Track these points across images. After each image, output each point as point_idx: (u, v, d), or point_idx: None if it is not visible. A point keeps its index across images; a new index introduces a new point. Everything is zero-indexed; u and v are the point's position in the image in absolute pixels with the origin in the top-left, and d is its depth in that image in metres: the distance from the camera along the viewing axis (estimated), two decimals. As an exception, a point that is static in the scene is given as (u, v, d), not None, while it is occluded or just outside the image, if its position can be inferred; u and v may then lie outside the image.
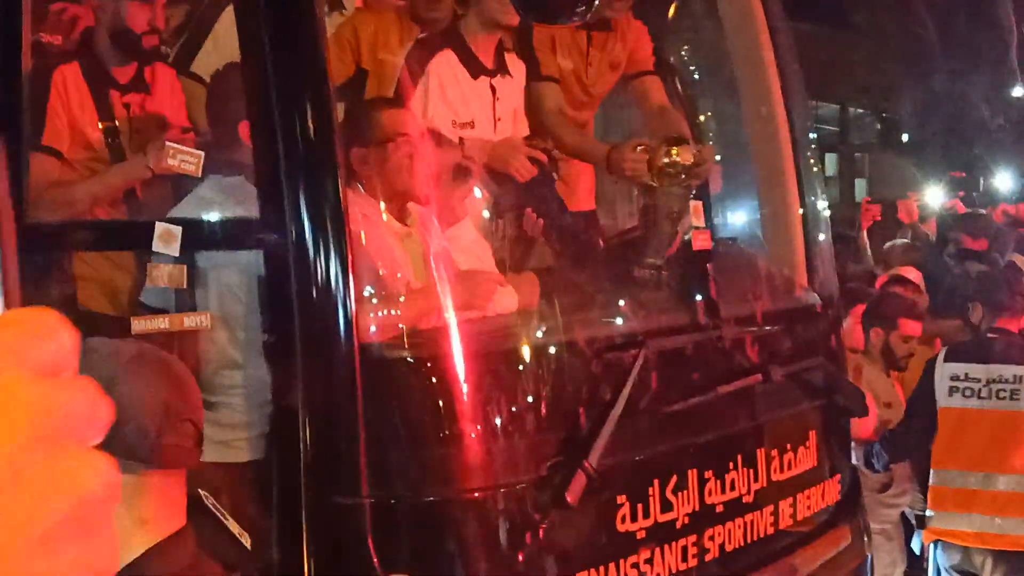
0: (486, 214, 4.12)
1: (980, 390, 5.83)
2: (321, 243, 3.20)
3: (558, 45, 4.94)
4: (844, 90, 29.12)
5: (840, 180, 29.90)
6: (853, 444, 6.05)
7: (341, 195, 3.22)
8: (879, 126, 29.00)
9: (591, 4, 2.93)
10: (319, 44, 3.30)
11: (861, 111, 30.29)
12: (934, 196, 12.58)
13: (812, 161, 4.98)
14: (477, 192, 4.06)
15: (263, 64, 3.26)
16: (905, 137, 27.28)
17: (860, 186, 29.86)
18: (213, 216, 3.52)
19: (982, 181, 13.06)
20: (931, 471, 6.03)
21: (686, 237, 4.28)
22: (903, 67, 26.49)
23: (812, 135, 5.13)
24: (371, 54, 4.35)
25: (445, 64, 4.20)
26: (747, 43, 4.95)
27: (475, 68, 4.23)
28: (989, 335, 6.06)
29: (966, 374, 5.87)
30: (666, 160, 4.23)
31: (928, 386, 6.01)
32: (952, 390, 5.90)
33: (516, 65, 4.50)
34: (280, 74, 3.25)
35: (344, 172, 3.24)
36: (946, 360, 6.00)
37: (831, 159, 31.00)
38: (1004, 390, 5.79)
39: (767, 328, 4.35)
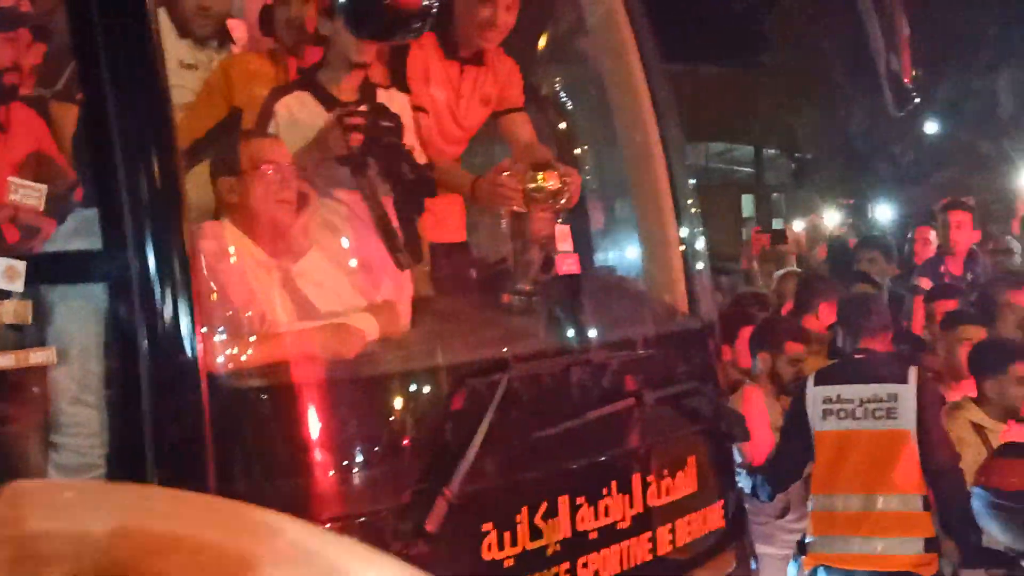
0: (346, 242, 4.06)
1: (855, 411, 5.85)
2: (166, 275, 3.14)
3: (431, 77, 4.93)
4: (758, 131, 29.45)
5: (758, 220, 30.17)
6: (745, 472, 6.07)
7: (184, 227, 3.17)
8: (793, 166, 29.32)
9: (425, 22, 2.91)
10: (160, 75, 3.26)
11: (775, 152, 30.63)
12: (829, 222, 12.76)
13: (690, 196, 5.01)
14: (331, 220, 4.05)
15: (103, 94, 3.20)
16: (818, 177, 27.60)
17: (778, 226, 30.14)
18: (57, 250, 3.46)
19: (871, 209, 13.33)
20: (811, 496, 6.03)
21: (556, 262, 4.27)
22: (814, 106, 26.85)
23: (692, 179, 5.17)
24: (246, 92, 4.32)
25: (296, 103, 4.19)
26: (623, 82, 5.00)
27: (331, 104, 4.22)
28: (856, 356, 6.09)
29: (838, 396, 5.89)
30: (532, 185, 4.21)
31: (800, 411, 6.02)
32: (826, 413, 5.91)
33: (392, 97, 4.46)
34: (121, 105, 3.20)
35: (184, 203, 3.18)
36: (816, 384, 6.01)
37: (747, 200, 31.34)
38: (880, 409, 5.81)
39: (641, 353, 4.33)
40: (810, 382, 6.04)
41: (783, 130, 28.42)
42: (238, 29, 4.90)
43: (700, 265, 4.97)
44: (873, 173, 24.03)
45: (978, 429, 6.03)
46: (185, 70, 4.55)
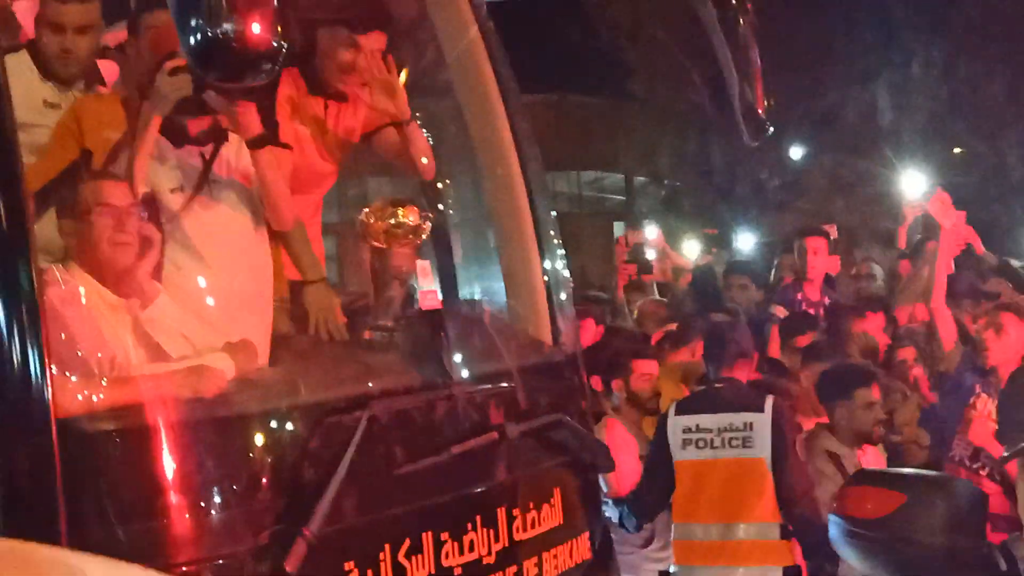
0: (201, 281, 4.02)
1: (712, 440, 5.93)
2: (14, 320, 3.08)
3: (297, 112, 4.92)
4: (628, 160, 29.80)
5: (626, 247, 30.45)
6: (612, 502, 6.11)
7: (32, 270, 3.10)
8: (663, 193, 29.71)
9: (275, 64, 2.88)
10: (7, 120, 3.19)
11: (645, 179, 31.00)
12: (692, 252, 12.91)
13: (552, 227, 5.04)
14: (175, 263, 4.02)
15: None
16: (685, 203, 28.01)
17: (650, 253, 30.45)
18: None
19: (736, 236, 13.55)
20: (672, 525, 6.09)
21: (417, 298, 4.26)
22: (681, 135, 27.26)
23: (554, 210, 5.20)
24: (95, 134, 4.27)
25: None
26: (483, 115, 5.02)
27: (179, 139, 4.18)
28: (716, 384, 6.17)
29: (697, 425, 5.97)
30: (392, 221, 4.22)
31: (662, 441, 6.09)
32: (685, 443, 5.99)
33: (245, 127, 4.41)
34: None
35: (32, 247, 3.13)
36: (676, 413, 6.09)
37: (619, 227, 31.60)
38: (736, 438, 5.90)
39: (504, 386, 4.33)
40: (671, 411, 6.11)
41: (652, 158, 28.80)
42: (109, 70, 4.84)
43: (563, 296, 4.99)
44: (739, 200, 24.44)
45: (833, 457, 6.13)
46: (49, 109, 4.50)
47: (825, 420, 6.41)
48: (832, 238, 9.37)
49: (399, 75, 5.02)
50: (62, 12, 4.51)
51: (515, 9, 5.28)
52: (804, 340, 7.58)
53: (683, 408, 6.11)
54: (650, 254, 10.85)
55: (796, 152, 27.53)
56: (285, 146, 4.75)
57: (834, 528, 5.01)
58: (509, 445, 4.18)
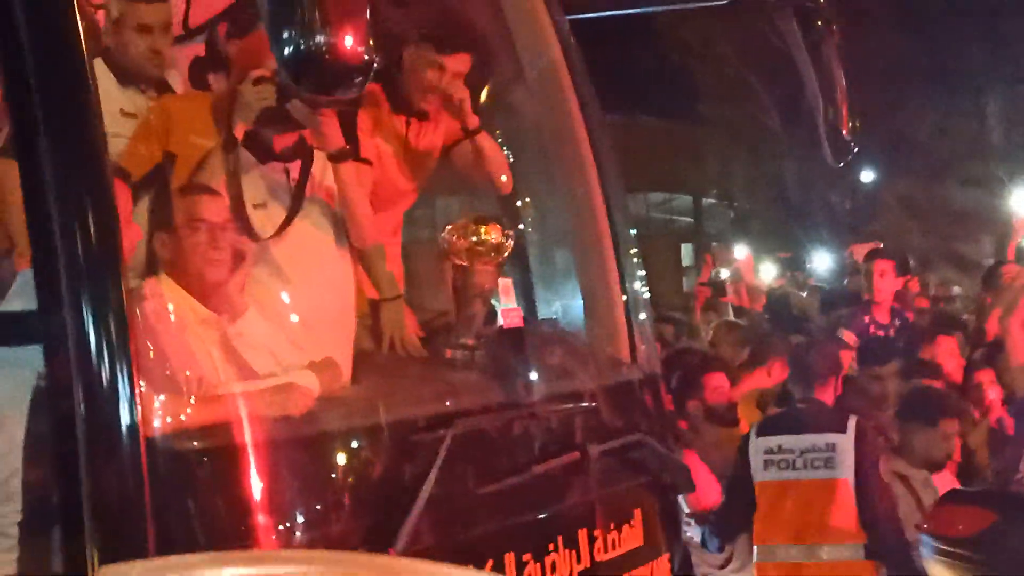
0: (286, 298, 4.02)
1: (795, 461, 5.87)
2: (103, 336, 3.07)
3: (378, 130, 4.91)
4: (697, 182, 29.68)
5: (697, 269, 30.34)
6: (694, 522, 6.06)
7: (121, 285, 3.10)
8: (732, 215, 29.58)
9: (366, 77, 2.87)
10: (97, 132, 3.19)
11: (714, 201, 30.90)
12: (767, 275, 12.83)
13: (631, 247, 5.01)
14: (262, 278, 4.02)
15: (38, 150, 3.14)
16: (756, 225, 27.86)
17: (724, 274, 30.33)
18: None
19: (807, 261, 13.46)
20: (754, 547, 6.03)
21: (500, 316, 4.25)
22: (752, 157, 27.13)
23: (633, 229, 5.17)
24: (182, 138, 4.27)
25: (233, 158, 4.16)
26: (563, 134, 5.01)
27: (263, 154, 4.19)
28: (799, 405, 6.12)
29: (779, 446, 5.92)
30: (474, 239, 4.20)
31: (743, 462, 6.04)
32: (767, 463, 5.94)
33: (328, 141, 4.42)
34: (57, 162, 3.14)
35: (122, 261, 3.12)
36: (759, 435, 6.04)
37: (687, 249, 31.52)
38: (818, 459, 5.84)
39: (585, 405, 4.30)
40: (753, 433, 6.06)
41: (721, 180, 28.68)
42: (175, 79, 4.85)
43: (643, 316, 4.96)
44: (810, 222, 24.27)
45: (903, 479, 6.08)
46: (125, 118, 4.49)
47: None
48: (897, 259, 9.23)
49: (481, 90, 5.03)
50: (148, 12, 4.50)
51: (586, 29, 5.27)
52: (887, 370, 7.49)
53: (764, 429, 6.06)
54: (724, 275, 10.79)
55: (869, 175, 27.33)
56: (366, 162, 4.74)
57: (925, 548, 4.95)
58: (590, 465, 4.15)
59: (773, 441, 5.96)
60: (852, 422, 5.93)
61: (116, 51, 4.54)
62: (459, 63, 4.85)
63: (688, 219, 32.25)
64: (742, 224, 28.78)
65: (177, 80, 4.80)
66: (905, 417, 6.37)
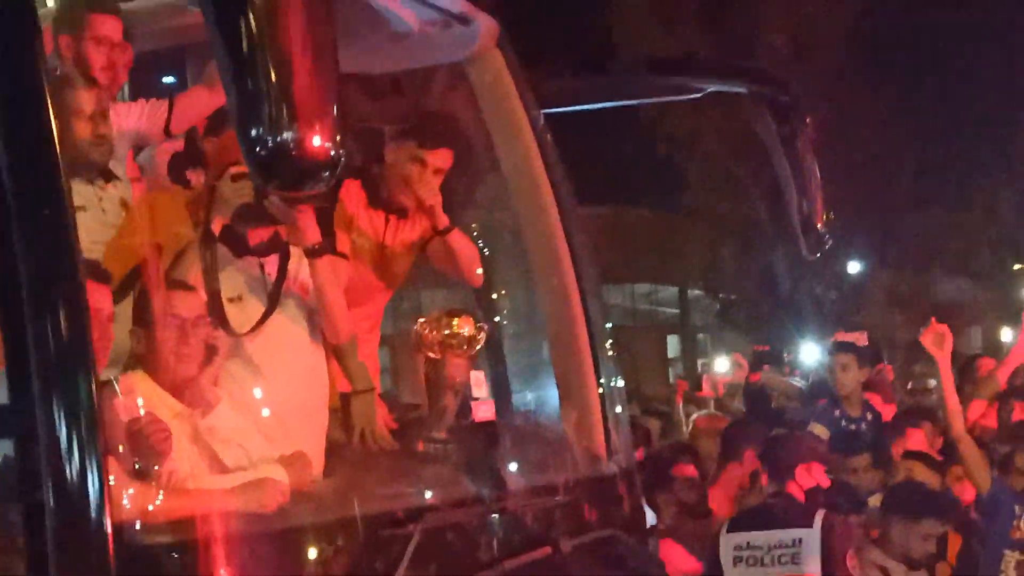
0: (258, 392, 4.02)
1: (763, 557, 5.83)
2: (73, 431, 3.06)
3: (356, 224, 4.94)
4: (682, 273, 29.79)
5: (683, 360, 30.38)
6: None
7: (92, 381, 3.10)
8: (718, 307, 29.63)
9: (334, 173, 2.89)
10: (67, 226, 3.21)
11: (700, 293, 30.97)
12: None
13: (607, 339, 5.01)
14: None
15: (11, 247, 3.15)
16: (741, 317, 27.91)
17: (703, 365, 30.31)
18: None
19: (786, 354, 13.49)
20: None
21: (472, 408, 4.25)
22: (737, 248, 27.25)
23: (609, 322, 5.19)
24: (158, 233, 4.29)
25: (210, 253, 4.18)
26: (538, 226, 5.02)
27: (239, 248, 4.20)
28: (770, 500, 6.10)
29: (748, 543, 5.88)
30: (447, 331, 4.21)
31: (714, 559, 6.00)
32: (736, 560, 5.90)
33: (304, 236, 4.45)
34: (28, 256, 3.15)
35: (92, 357, 3.12)
36: (728, 531, 6.01)
37: (672, 340, 31.56)
38: (785, 555, 5.80)
39: (558, 499, 4.29)
40: (724, 530, 6.03)
41: (707, 272, 28.79)
42: (118, 167, 4.80)
43: (618, 409, 4.95)
44: (796, 314, 24.33)
45: (883, 570, 6.05)
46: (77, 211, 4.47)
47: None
48: (863, 346, 9.19)
49: (456, 183, 5.06)
50: (87, 99, 4.49)
51: (570, 121, 5.32)
52: (858, 461, 7.46)
53: (735, 525, 6.03)
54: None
55: (854, 266, 27.47)
56: (343, 256, 4.76)
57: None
58: (562, 560, 4.12)
59: (743, 537, 5.92)
60: (819, 516, 5.90)
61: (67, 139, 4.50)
62: (440, 159, 4.90)
63: (674, 310, 32.31)
64: (727, 316, 28.84)
65: (120, 170, 4.77)
66: (889, 509, 6.34)
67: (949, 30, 25.23)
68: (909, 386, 10.45)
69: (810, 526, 5.85)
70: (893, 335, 22.69)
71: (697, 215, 27.95)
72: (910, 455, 7.35)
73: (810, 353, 16.60)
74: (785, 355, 12.66)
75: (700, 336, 31.90)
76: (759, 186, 26.77)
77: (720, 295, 29.14)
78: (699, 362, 29.73)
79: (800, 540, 5.81)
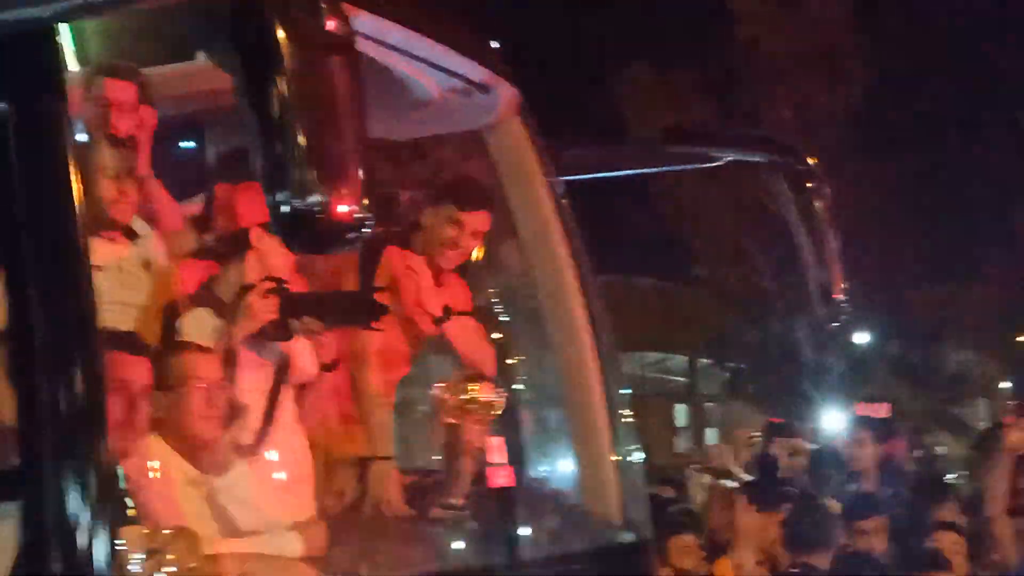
0: (274, 455, 4.01)
1: None
2: (86, 496, 3.05)
3: (392, 288, 4.91)
4: (691, 342, 29.72)
5: (692, 429, 30.26)
6: None
7: (103, 447, 3.08)
8: (727, 376, 29.53)
9: (360, 235, 2.91)
10: (85, 286, 3.21)
11: (708, 362, 30.88)
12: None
13: (624, 407, 4.99)
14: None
15: (27, 311, 3.15)
16: (751, 388, 27.80)
17: (711, 435, 30.18)
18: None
19: (797, 424, 13.49)
20: None
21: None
22: (745, 316, 27.24)
23: (630, 388, 5.17)
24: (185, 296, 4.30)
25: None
26: (557, 294, 5.02)
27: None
28: (791, 570, 6.06)
29: None
30: (465, 396, 4.20)
31: None
32: None
33: None
34: (45, 318, 3.14)
35: (105, 422, 3.11)
36: None
37: (681, 410, 31.44)
38: None
39: (574, 568, 4.25)
40: None
41: (715, 342, 28.74)
42: (143, 225, 4.81)
43: (635, 477, 4.92)
44: (806, 385, 24.25)
45: None
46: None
47: None
48: (881, 417, 9.16)
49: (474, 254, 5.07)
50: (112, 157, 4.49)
51: (579, 190, 5.34)
52: (870, 524, 7.42)
53: None
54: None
55: (862, 338, 27.40)
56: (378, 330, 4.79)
57: None
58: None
59: None
60: None
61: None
62: (477, 221, 4.92)
63: (682, 379, 32.21)
64: (736, 386, 28.74)
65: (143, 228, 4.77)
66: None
67: (953, 105, 25.36)
68: (914, 454, 10.41)
69: None
70: (902, 407, 22.58)
71: (705, 285, 27.94)
72: (942, 525, 7.33)
73: (822, 425, 16.54)
74: (799, 426, 12.61)
75: (708, 405, 31.78)
76: (767, 258, 26.82)
77: (729, 365, 29.05)
78: (707, 431, 29.65)
79: None
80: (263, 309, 4.05)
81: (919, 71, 24.79)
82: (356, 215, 2.87)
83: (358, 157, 2.91)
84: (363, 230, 2.91)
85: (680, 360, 31.73)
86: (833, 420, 16.05)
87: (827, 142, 24.16)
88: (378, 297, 4.65)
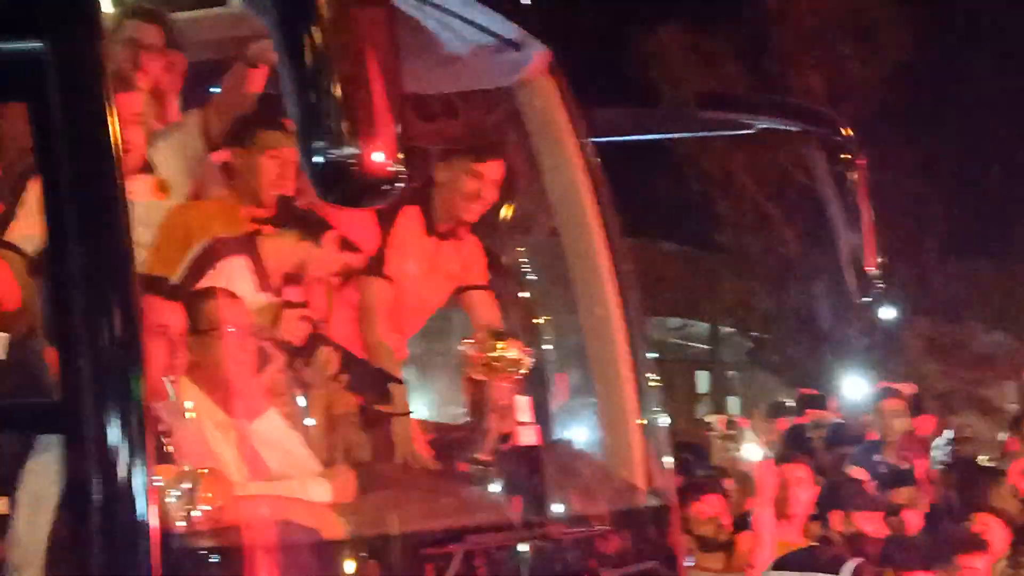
0: (302, 401, 4.03)
1: None
2: (122, 432, 3.07)
3: (408, 251, 4.92)
4: (714, 309, 29.66)
5: (713, 397, 30.22)
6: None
7: (142, 384, 3.11)
8: (749, 344, 29.45)
9: (393, 188, 2.90)
10: (124, 224, 3.22)
11: (731, 330, 30.81)
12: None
13: (650, 370, 4.98)
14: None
15: (66, 243, 3.17)
16: (773, 356, 27.74)
17: (733, 403, 30.16)
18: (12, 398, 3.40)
19: (828, 397, 13.44)
20: None
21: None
22: (768, 286, 27.16)
23: (653, 353, 5.17)
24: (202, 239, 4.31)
25: (237, 268, 4.18)
26: (585, 255, 5.01)
27: (262, 282, 4.22)
28: (813, 543, 6.09)
29: None
30: (492, 354, 4.19)
31: None
32: None
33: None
34: (84, 255, 3.16)
35: (144, 360, 3.13)
36: (773, 568, 5.99)
37: (703, 376, 31.39)
38: None
39: (598, 528, 4.26)
40: (770, 567, 6.01)
41: (738, 309, 28.67)
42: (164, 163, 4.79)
43: (660, 442, 4.92)
44: (830, 357, 24.20)
45: None
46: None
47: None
48: (908, 394, 9.17)
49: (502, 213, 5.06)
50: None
51: (607, 154, 5.32)
52: (900, 496, 7.41)
53: (780, 564, 6.02)
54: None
55: (889, 312, 27.26)
56: (388, 279, 4.79)
57: None
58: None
59: None
60: (849, 566, 5.86)
61: None
62: (495, 170, 4.91)
63: (705, 346, 32.13)
64: (758, 355, 28.68)
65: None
66: (931, 553, 6.34)
67: (985, 75, 25.14)
68: (953, 435, 10.37)
69: (835, 573, 5.82)
70: (930, 385, 22.52)
71: (729, 253, 27.83)
72: (991, 509, 7.30)
73: (849, 397, 16.53)
74: (830, 399, 12.62)
75: (730, 374, 31.72)
76: (793, 227, 26.69)
77: (752, 334, 28.96)
78: (728, 399, 29.63)
79: None
80: None
81: (954, 40, 24.57)
82: (391, 168, 2.86)
83: (393, 109, 2.90)
84: (397, 184, 2.90)
85: (702, 327, 31.65)
86: (857, 393, 16.05)
87: (857, 112, 24.02)
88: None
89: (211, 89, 4.97)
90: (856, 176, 5.05)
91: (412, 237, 4.94)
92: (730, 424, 9.69)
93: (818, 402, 11.57)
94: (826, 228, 5.17)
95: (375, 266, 4.77)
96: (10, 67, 3.24)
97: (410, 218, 4.92)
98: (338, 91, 2.84)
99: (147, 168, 4.52)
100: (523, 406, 4.20)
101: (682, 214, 26.99)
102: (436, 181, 4.95)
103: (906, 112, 25.10)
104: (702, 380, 31.37)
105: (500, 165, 4.93)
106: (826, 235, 5.20)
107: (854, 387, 18.81)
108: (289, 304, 4.27)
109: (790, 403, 12.02)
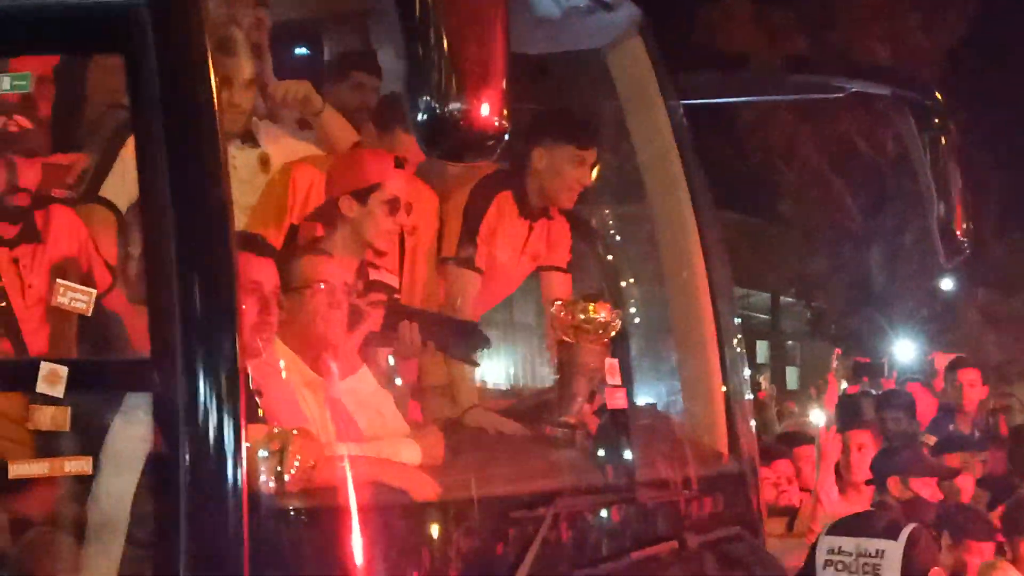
0: (391, 360, 4.00)
1: (850, 564, 5.71)
2: (213, 390, 3.05)
3: (499, 238, 4.88)
4: (775, 280, 29.55)
5: (772, 366, 30.14)
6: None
7: (235, 341, 3.08)
8: (809, 315, 29.36)
9: (499, 143, 2.85)
10: (222, 185, 3.19)
11: (792, 300, 30.71)
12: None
13: (734, 337, 4.93)
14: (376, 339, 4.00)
15: (161, 201, 3.15)
16: (834, 327, 27.61)
17: (791, 373, 30.07)
18: (101, 357, 3.39)
19: (886, 365, 13.35)
20: None
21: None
22: (829, 256, 27.01)
23: (737, 320, 5.12)
24: (304, 200, 4.30)
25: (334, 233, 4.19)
26: (673, 221, 4.96)
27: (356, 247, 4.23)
28: (871, 507, 6.02)
29: (839, 548, 5.77)
30: (583, 316, 4.16)
31: (811, 560, 5.91)
32: (827, 563, 5.78)
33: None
34: (179, 214, 3.14)
35: (237, 318, 3.10)
36: (827, 533, 5.93)
37: (763, 346, 31.32)
38: (868, 564, 5.68)
39: (685, 492, 4.23)
40: (825, 530, 5.95)
41: (799, 280, 28.54)
42: (266, 132, 4.81)
43: (743, 408, 4.87)
44: (888, 327, 24.05)
45: None
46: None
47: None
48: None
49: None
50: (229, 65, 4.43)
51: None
52: (954, 459, 7.35)
53: (834, 528, 5.95)
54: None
55: (946, 284, 27.09)
56: (479, 271, 4.82)
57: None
58: (687, 555, 4.07)
59: (836, 541, 5.82)
60: (906, 531, 5.79)
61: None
62: (595, 154, 4.86)
63: (765, 316, 32.04)
64: (817, 325, 28.56)
65: (267, 136, 4.76)
66: (1007, 527, 6.26)
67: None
68: (992, 405, 10.36)
69: (893, 538, 5.75)
70: (985, 356, 22.36)
71: (791, 223, 27.70)
72: None
73: (907, 366, 16.44)
74: (886, 367, 12.54)
75: (790, 343, 31.64)
76: (855, 199, 26.50)
77: (812, 304, 28.86)
78: (788, 369, 29.55)
79: (882, 552, 5.69)
80: None
81: (1019, 13, 24.26)
82: (497, 124, 2.82)
83: (502, 65, 2.85)
84: (502, 140, 2.86)
85: (762, 297, 31.56)
86: (914, 362, 15.96)
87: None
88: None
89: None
90: (946, 140, 4.98)
91: (505, 225, 4.90)
92: (780, 395, 9.66)
93: (876, 370, 11.51)
94: (886, 199, 5.10)
95: (466, 257, 4.76)
96: (107, 20, 3.22)
97: (505, 206, 4.87)
98: (446, 44, 2.80)
99: (249, 136, 4.53)
100: (613, 369, 4.17)
101: (744, 184, 26.86)
102: (534, 168, 4.86)
103: (968, 84, 24.84)
104: (762, 349, 31.29)
105: (597, 146, 4.86)
106: (888, 206, 5.12)
107: (911, 356, 18.71)
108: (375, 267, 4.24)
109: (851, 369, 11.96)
